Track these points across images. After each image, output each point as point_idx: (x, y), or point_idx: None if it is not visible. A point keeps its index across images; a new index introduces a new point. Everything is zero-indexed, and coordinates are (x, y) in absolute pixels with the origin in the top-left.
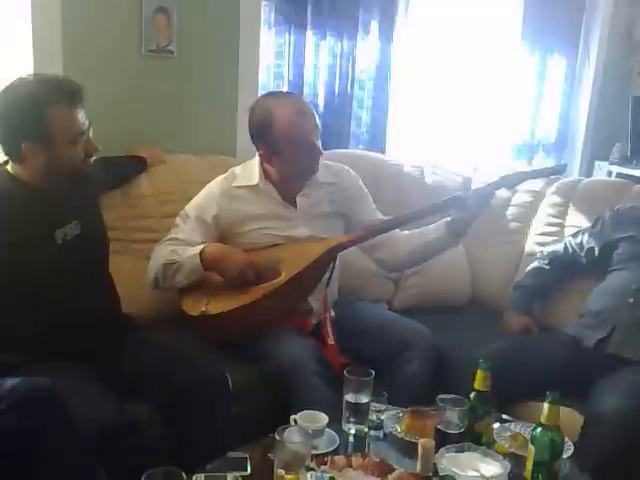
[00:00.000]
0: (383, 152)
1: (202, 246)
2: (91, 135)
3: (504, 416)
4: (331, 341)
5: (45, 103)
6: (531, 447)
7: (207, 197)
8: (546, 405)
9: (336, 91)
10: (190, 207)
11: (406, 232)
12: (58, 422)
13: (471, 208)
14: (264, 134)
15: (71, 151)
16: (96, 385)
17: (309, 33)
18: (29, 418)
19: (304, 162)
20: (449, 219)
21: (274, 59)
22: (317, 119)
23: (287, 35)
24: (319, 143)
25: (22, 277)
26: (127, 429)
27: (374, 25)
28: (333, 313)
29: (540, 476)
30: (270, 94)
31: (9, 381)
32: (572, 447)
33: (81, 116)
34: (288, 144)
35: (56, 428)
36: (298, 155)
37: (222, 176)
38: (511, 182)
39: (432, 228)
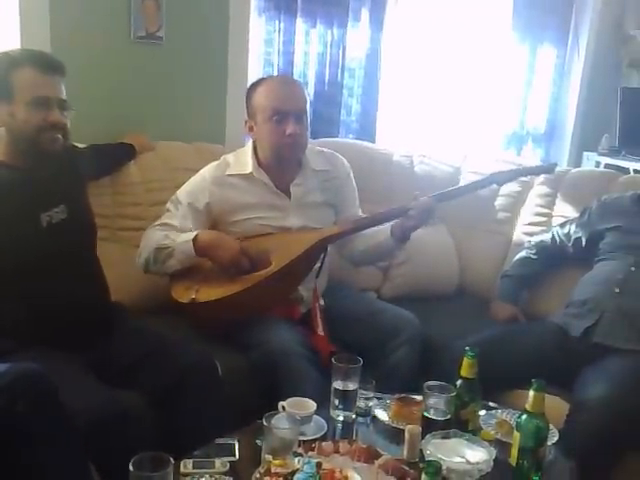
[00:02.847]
0: (373, 141)
1: (195, 232)
2: (66, 116)
3: (491, 404)
4: (320, 332)
5: (15, 63)
6: (516, 433)
7: (200, 185)
8: (531, 392)
9: (326, 79)
10: (182, 193)
11: (361, 233)
12: (49, 405)
13: (413, 218)
14: (248, 98)
15: (28, 114)
16: (85, 374)
17: (299, 20)
18: (20, 400)
19: (275, 135)
20: (392, 224)
21: (264, 46)
22: (306, 103)
23: (277, 22)
24: (302, 128)
25: (7, 261)
26: (117, 419)
27: (364, 13)
28: (322, 302)
29: (525, 462)
30: None
31: None
32: (557, 434)
33: (52, 86)
34: (263, 108)
35: (47, 411)
36: (271, 125)
37: (215, 163)
38: (500, 179)
39: (382, 230)
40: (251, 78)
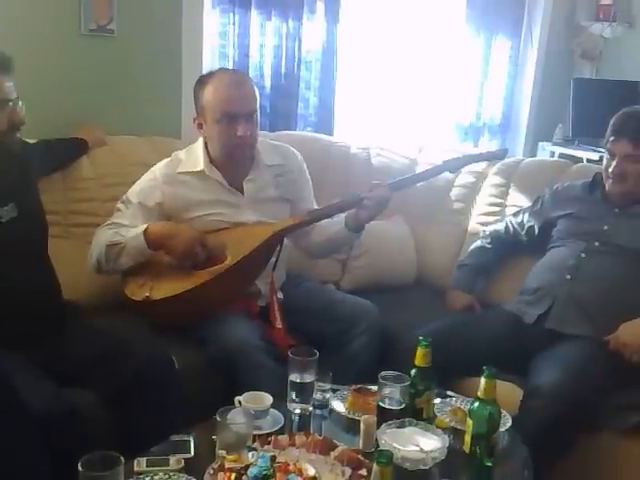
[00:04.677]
0: (331, 134)
1: (146, 225)
2: (23, 111)
3: (449, 392)
4: (279, 325)
5: None
6: (469, 421)
7: (150, 183)
8: (483, 379)
9: (283, 72)
10: (132, 193)
11: (317, 224)
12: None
13: (367, 208)
14: (196, 94)
15: None
16: (33, 372)
17: (254, 13)
18: None
19: (225, 136)
20: (346, 214)
21: (219, 39)
22: (257, 101)
23: (231, 15)
24: (253, 128)
25: None
26: (64, 416)
27: (320, 5)
28: (281, 295)
29: (478, 448)
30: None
31: None
32: (510, 420)
33: (8, 85)
34: (212, 109)
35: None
36: (221, 126)
37: (165, 160)
38: (453, 166)
39: (336, 222)
40: (206, 71)
